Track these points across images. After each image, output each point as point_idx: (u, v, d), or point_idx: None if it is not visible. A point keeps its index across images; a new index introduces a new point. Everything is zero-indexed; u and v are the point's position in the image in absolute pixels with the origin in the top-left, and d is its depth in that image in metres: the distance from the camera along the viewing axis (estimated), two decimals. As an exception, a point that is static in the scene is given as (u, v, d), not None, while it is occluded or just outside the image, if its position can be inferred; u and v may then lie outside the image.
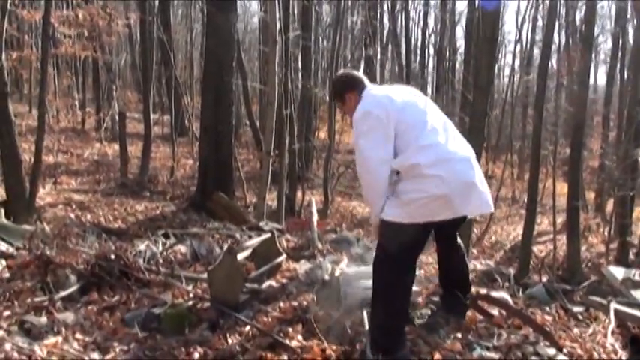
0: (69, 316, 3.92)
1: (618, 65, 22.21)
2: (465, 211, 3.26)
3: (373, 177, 3.25)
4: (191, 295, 4.23)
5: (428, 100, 3.52)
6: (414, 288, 4.08)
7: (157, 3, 17.95)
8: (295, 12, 15.98)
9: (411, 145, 3.22)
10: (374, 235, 3.57)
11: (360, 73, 3.71)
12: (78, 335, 3.66)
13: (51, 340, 3.54)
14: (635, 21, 16.08)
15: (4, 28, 8.32)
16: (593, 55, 19.47)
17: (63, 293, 4.25)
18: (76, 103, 21.19)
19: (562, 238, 12.55)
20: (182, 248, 5.67)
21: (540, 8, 23.15)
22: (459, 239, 3.74)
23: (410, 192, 3.18)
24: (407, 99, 3.39)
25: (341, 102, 3.67)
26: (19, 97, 22.60)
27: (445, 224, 3.35)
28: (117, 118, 16.19)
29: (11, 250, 5.47)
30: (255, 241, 5.32)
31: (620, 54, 21.79)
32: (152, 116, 15.44)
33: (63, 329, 3.70)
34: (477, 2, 18.41)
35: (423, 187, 3.14)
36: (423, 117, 3.34)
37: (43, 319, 3.84)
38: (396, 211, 3.23)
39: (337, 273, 4.18)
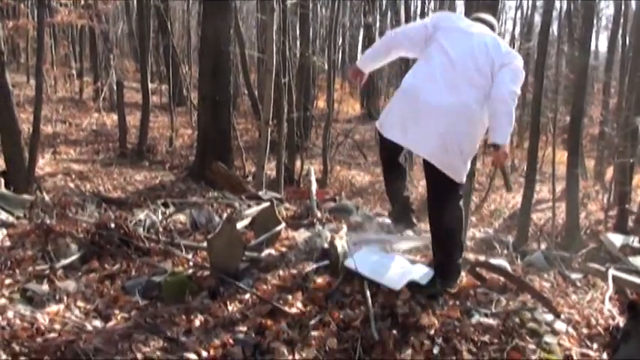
0: (70, 285, 3.94)
1: (620, 31, 21.96)
2: (402, 141, 3.64)
3: None
4: (191, 263, 4.24)
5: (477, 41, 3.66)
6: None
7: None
8: (293, -21, 15.77)
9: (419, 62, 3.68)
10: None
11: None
12: (79, 303, 3.69)
13: (53, 307, 3.56)
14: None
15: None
16: (594, 21, 19.29)
17: (64, 262, 4.26)
18: (74, 72, 20.92)
19: (561, 206, 12.60)
20: (181, 217, 5.66)
21: (542, -26, 22.79)
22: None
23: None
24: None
25: None
26: (16, 67, 22.39)
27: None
28: (115, 87, 16.08)
29: (11, 219, 5.47)
30: (255, 210, 5.32)
31: (622, 20, 21.53)
32: (150, 85, 15.35)
33: (64, 297, 3.72)
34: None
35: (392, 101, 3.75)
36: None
37: (45, 287, 3.86)
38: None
39: (337, 241, 4.18)
